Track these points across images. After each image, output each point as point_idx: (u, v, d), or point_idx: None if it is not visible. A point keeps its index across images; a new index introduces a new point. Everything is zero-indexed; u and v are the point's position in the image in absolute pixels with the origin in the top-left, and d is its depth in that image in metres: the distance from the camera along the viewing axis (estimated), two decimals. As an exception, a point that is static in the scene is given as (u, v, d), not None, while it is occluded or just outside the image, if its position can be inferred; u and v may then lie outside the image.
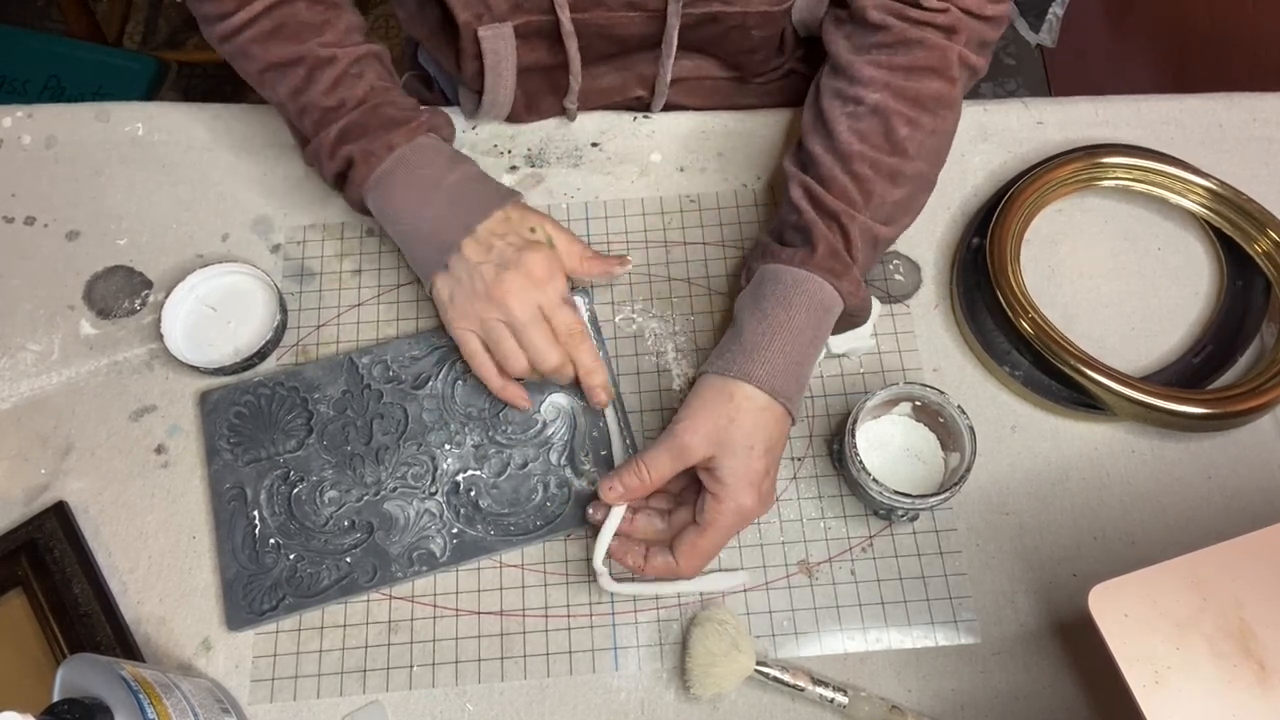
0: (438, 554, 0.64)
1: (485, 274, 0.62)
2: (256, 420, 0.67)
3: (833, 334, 0.65)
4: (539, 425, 0.67)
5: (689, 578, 0.60)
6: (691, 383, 0.64)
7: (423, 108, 0.69)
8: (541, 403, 0.67)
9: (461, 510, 0.65)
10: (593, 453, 0.66)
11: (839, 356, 0.69)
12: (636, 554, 0.60)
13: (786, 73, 0.83)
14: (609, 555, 0.60)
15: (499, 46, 0.70)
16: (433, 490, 0.65)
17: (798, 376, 0.60)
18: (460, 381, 0.68)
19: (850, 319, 0.65)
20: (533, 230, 0.65)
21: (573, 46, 0.70)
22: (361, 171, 0.65)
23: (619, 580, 0.61)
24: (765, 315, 0.60)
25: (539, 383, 0.67)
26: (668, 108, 0.80)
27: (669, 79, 0.75)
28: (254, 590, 0.63)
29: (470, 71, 0.73)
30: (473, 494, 0.65)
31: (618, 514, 0.60)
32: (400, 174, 0.65)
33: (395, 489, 0.65)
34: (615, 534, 0.60)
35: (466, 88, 0.77)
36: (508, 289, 0.62)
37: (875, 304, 0.68)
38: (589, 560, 0.61)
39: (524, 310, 0.62)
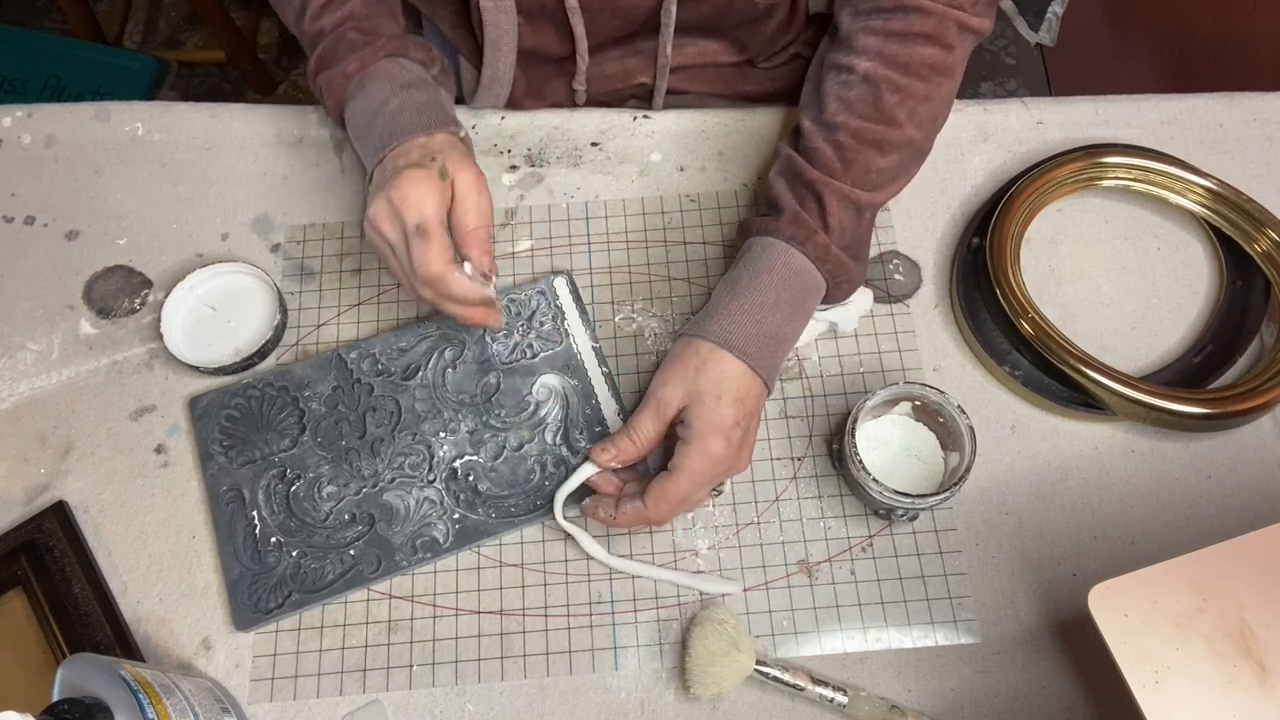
0: (441, 540, 0.64)
1: (369, 196, 0.60)
2: (248, 422, 0.67)
3: (823, 305, 0.66)
4: (531, 407, 0.67)
5: (658, 523, 0.60)
6: None
7: (397, 35, 0.67)
8: (533, 384, 0.68)
9: (461, 496, 0.65)
10: (587, 430, 0.67)
11: (827, 332, 0.69)
12: (608, 505, 0.61)
13: (791, 57, 0.82)
14: (582, 513, 0.63)
15: (500, 20, 0.70)
16: (431, 478, 0.66)
17: (759, 334, 0.60)
18: (450, 369, 0.68)
19: (836, 289, 0.65)
20: (433, 159, 0.58)
21: (579, 24, 0.71)
22: (329, 100, 0.67)
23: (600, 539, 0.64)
24: (733, 282, 0.63)
25: (529, 365, 0.68)
26: (671, 95, 0.80)
27: (669, 51, 0.75)
28: (259, 589, 0.63)
29: (470, 46, 0.73)
30: (471, 479, 0.65)
31: (587, 469, 0.62)
32: (357, 100, 0.65)
33: (393, 480, 0.65)
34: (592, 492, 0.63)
35: (467, 62, 0.77)
36: (375, 213, 0.58)
37: (867, 292, 0.69)
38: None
39: (391, 236, 0.58)
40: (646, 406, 0.61)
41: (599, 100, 0.81)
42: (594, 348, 0.69)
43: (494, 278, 0.60)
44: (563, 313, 0.70)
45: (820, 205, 0.63)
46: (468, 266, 0.59)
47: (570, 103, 0.80)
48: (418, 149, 0.60)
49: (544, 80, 0.78)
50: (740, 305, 0.61)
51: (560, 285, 0.71)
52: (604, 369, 0.68)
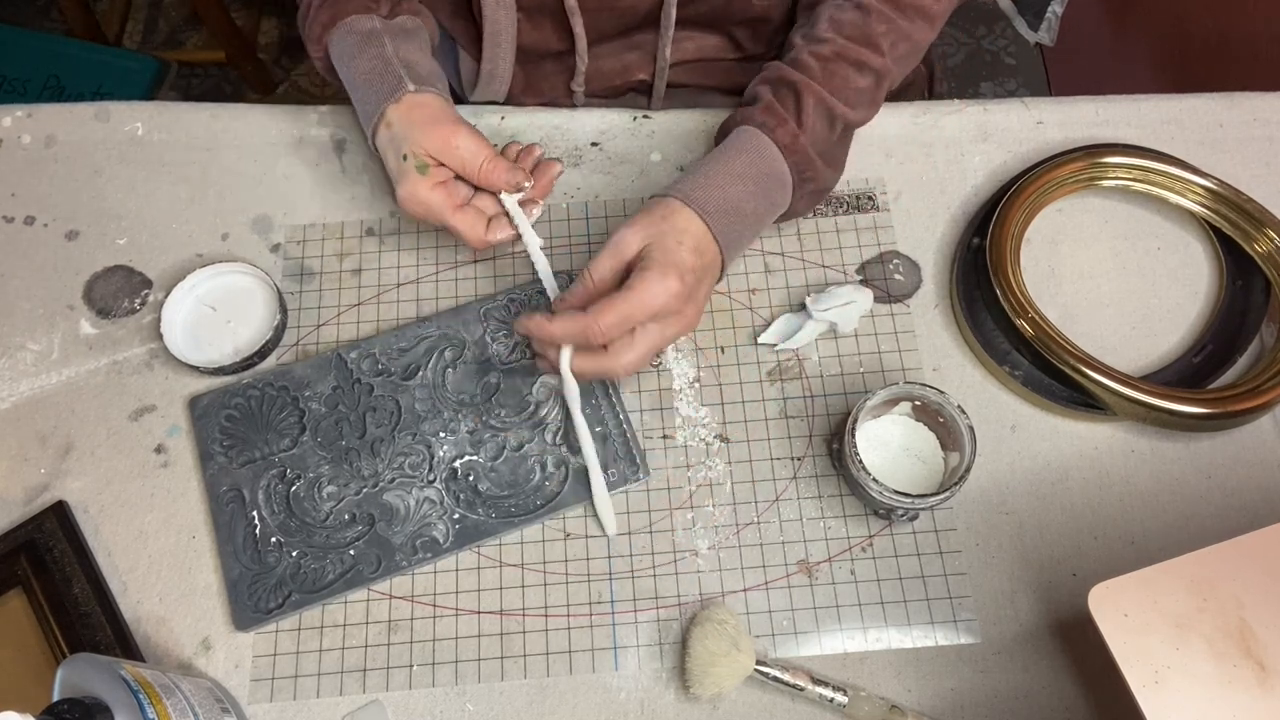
0: (441, 540, 0.64)
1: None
2: (248, 422, 0.67)
3: (800, 210, 0.68)
4: (531, 407, 0.67)
5: (598, 333, 0.58)
6: (693, 382, 0.68)
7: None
8: (533, 384, 0.68)
9: (461, 496, 0.65)
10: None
11: (827, 332, 0.70)
12: (539, 321, 0.60)
13: None
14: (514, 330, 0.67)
15: (499, 16, 0.71)
16: (431, 478, 0.66)
17: (722, 199, 0.62)
18: (450, 369, 0.68)
19: (802, 187, 0.66)
20: (404, 158, 0.65)
21: (578, 24, 0.71)
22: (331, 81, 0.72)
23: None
24: (703, 160, 0.65)
25: (529, 364, 0.68)
26: (669, 88, 0.81)
27: (669, 51, 0.76)
28: (259, 589, 0.63)
29: (469, 36, 0.73)
30: (471, 479, 0.65)
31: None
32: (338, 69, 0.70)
33: (393, 480, 0.66)
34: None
35: (467, 54, 0.77)
36: (410, 217, 0.68)
37: (867, 292, 0.70)
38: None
39: (434, 223, 0.67)
40: (605, 248, 0.61)
41: (597, 95, 0.81)
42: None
43: (528, 181, 0.67)
44: None
45: (797, 102, 0.65)
46: (505, 197, 0.67)
47: (568, 98, 0.80)
48: (390, 148, 0.66)
49: (542, 77, 0.78)
50: (706, 172, 0.64)
51: (561, 285, 0.71)
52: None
